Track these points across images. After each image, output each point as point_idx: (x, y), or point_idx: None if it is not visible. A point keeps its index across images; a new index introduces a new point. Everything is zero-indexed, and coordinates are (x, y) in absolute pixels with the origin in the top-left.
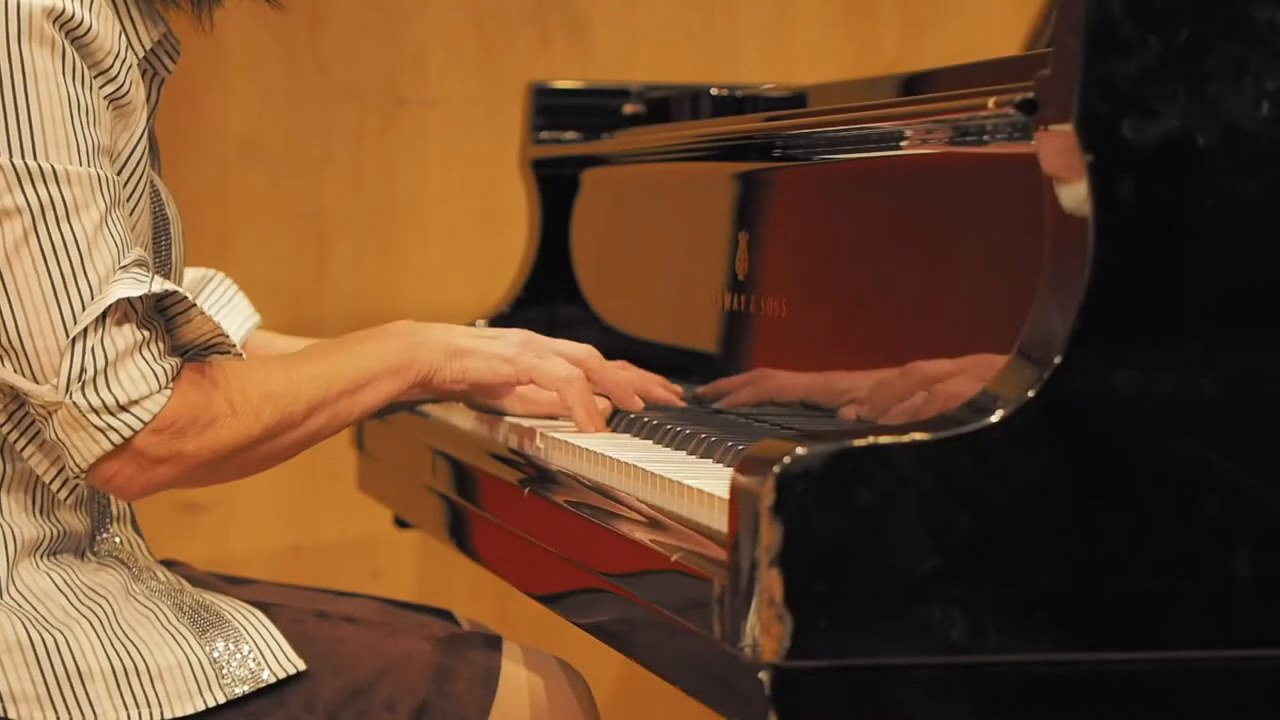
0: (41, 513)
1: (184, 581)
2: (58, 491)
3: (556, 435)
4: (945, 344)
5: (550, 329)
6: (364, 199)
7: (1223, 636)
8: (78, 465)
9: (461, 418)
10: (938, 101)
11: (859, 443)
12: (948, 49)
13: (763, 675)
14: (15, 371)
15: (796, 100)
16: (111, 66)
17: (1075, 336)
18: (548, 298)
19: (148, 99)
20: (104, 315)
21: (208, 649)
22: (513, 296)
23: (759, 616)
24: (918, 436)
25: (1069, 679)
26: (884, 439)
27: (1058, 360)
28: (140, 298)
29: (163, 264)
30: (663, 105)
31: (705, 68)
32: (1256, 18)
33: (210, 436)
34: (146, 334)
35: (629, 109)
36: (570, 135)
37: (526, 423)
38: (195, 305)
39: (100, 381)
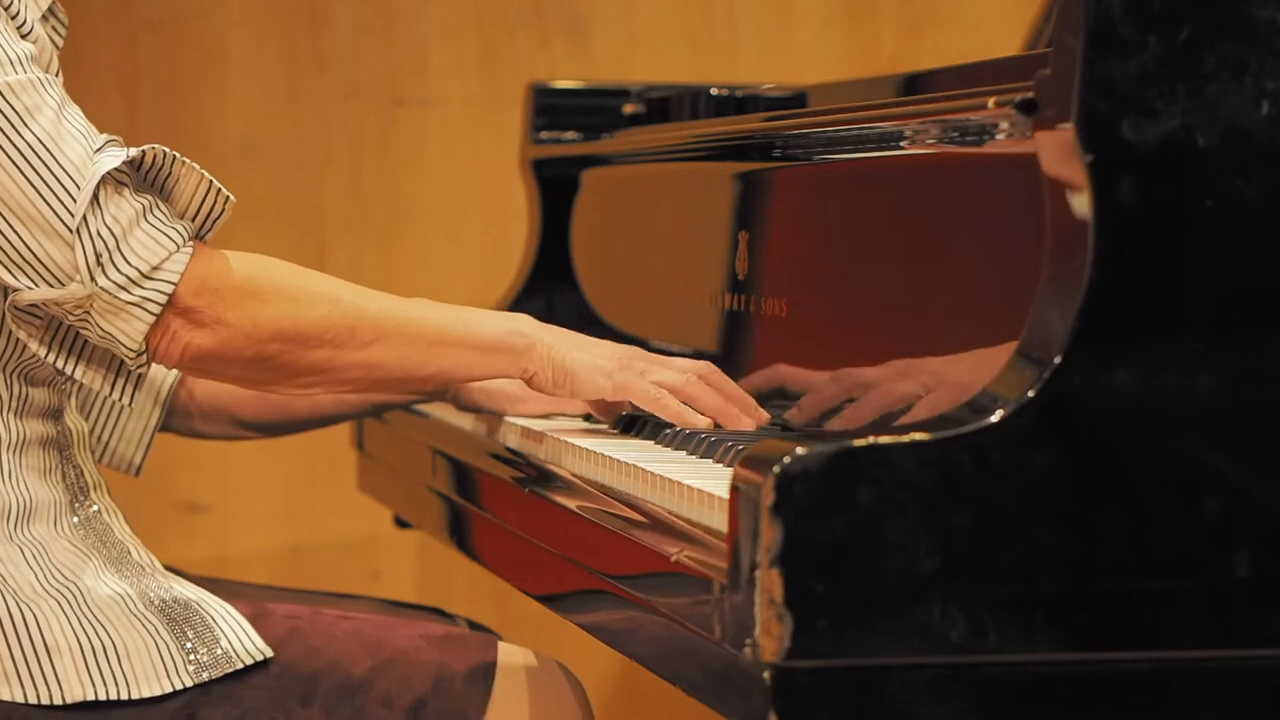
0: (9, 479)
1: (155, 563)
2: (119, 399)
3: (557, 435)
4: (945, 344)
5: None
6: (364, 199)
7: (1223, 636)
8: (130, 349)
9: (461, 418)
10: (938, 101)
11: (859, 443)
12: (948, 49)
13: (763, 675)
14: (41, 285)
15: (796, 100)
16: (12, 4)
17: (1075, 336)
18: (548, 297)
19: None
20: (96, 197)
21: (176, 635)
22: (513, 296)
23: (759, 616)
24: (918, 437)
25: (1069, 679)
26: (884, 439)
27: (1058, 360)
28: (125, 171)
29: None
30: (663, 105)
31: (705, 68)
32: (1256, 18)
33: (253, 309)
34: (145, 201)
35: (629, 109)
36: (570, 135)
37: (528, 423)
38: (177, 157)
39: (118, 258)
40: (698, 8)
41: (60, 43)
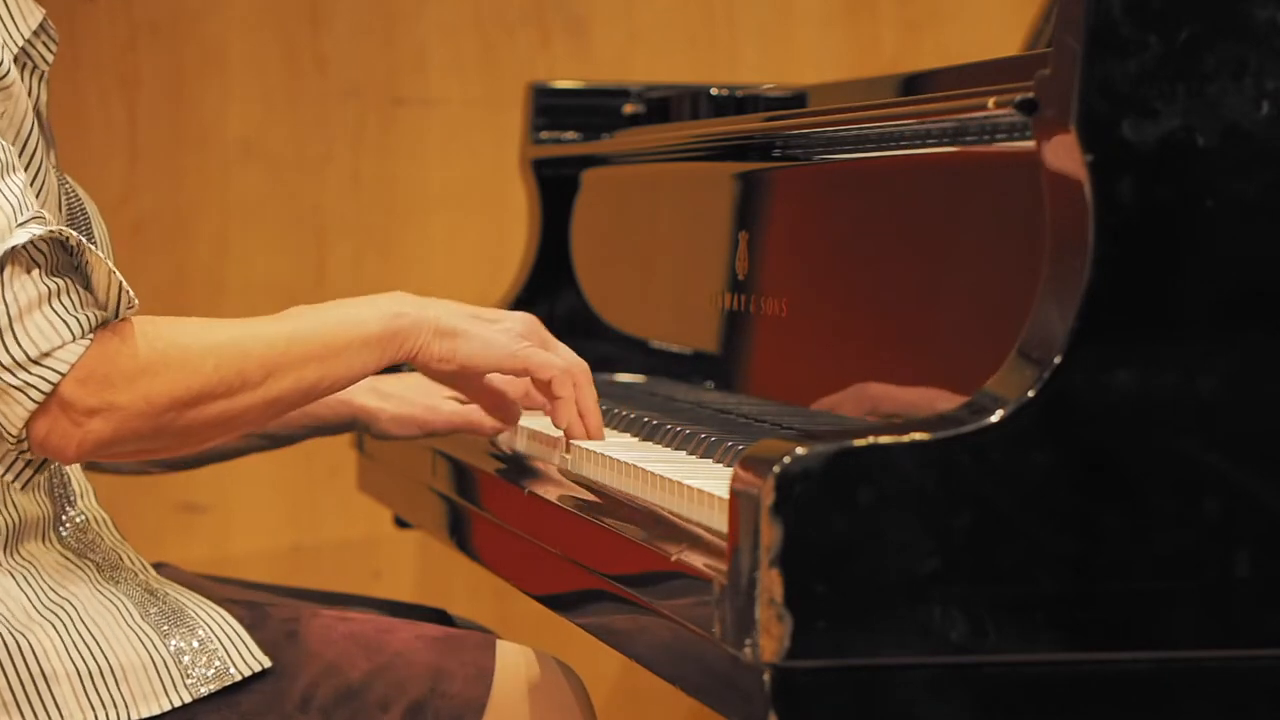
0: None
1: (148, 569)
2: (13, 481)
3: (558, 436)
4: (945, 344)
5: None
6: (364, 199)
7: (1223, 636)
8: (10, 433)
9: None
10: (938, 101)
11: (859, 443)
12: (948, 49)
13: (763, 675)
14: None
15: (796, 100)
16: None
17: (1075, 336)
18: (548, 298)
19: (29, 92)
20: (0, 271)
21: (171, 649)
22: (513, 297)
23: (759, 616)
24: (918, 436)
25: (1069, 679)
26: (884, 439)
27: (1058, 360)
28: (42, 251)
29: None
30: (663, 105)
31: (705, 68)
32: (1256, 18)
33: (143, 386)
34: (56, 285)
35: (629, 109)
36: (570, 135)
37: (529, 424)
38: (86, 247)
39: (8, 337)
40: (698, 8)
41: (51, 59)
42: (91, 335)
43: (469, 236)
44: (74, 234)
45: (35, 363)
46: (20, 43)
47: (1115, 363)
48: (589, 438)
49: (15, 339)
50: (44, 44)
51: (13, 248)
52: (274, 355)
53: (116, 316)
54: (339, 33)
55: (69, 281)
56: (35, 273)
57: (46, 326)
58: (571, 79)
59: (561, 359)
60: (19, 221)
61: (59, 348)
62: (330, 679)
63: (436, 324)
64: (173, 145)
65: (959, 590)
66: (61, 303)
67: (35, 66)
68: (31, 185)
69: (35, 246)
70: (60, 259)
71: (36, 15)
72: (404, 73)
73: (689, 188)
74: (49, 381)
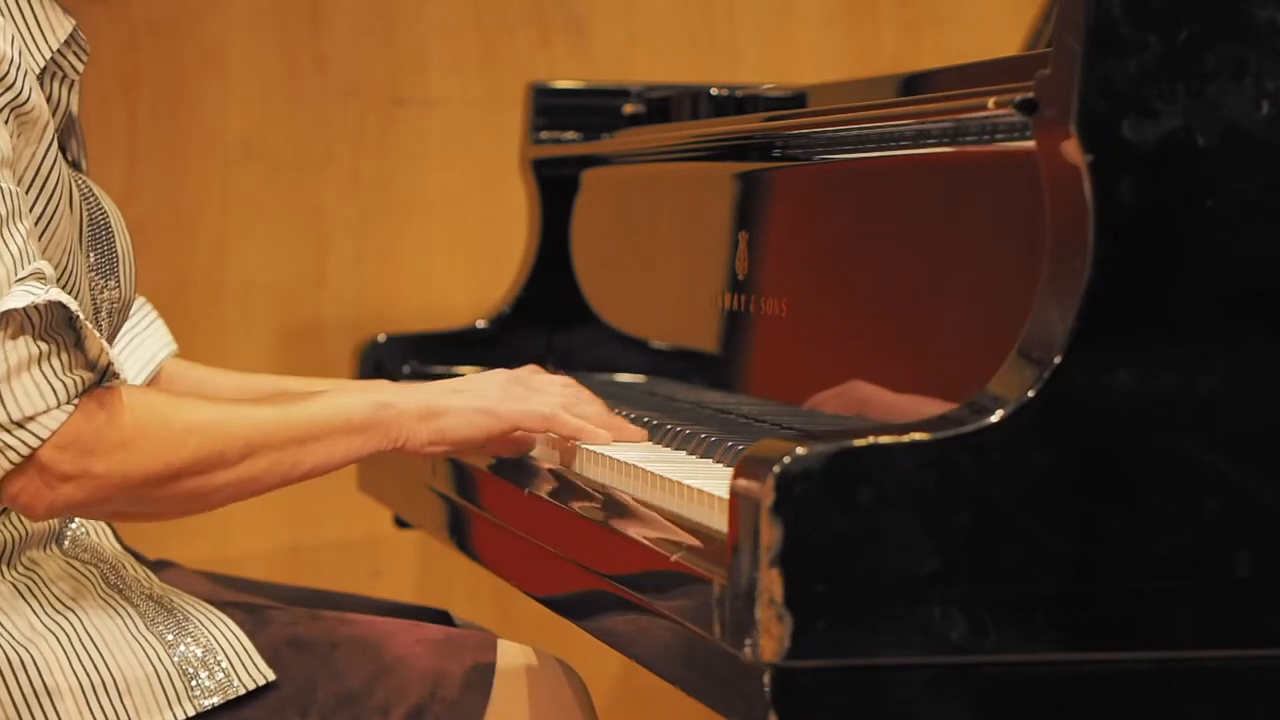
0: (3, 515)
1: (152, 577)
2: None
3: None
4: (945, 344)
5: (550, 330)
6: (364, 199)
7: (1223, 636)
8: None
9: None
10: (938, 101)
11: (859, 443)
12: (948, 49)
13: (763, 675)
14: None
15: (796, 100)
16: (8, 74)
17: (1075, 336)
18: (548, 298)
19: (58, 104)
20: None
21: (176, 659)
22: (513, 297)
23: (759, 616)
24: (918, 436)
25: (1069, 679)
26: (884, 439)
27: (1058, 360)
28: (40, 311)
29: (108, 260)
30: (663, 105)
31: (705, 68)
32: (1256, 18)
33: (121, 460)
34: (47, 347)
35: (629, 109)
36: (570, 135)
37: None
38: (78, 316)
39: None
40: (698, 8)
41: (82, 69)
42: (77, 401)
43: (469, 236)
44: (69, 300)
45: (19, 425)
46: (48, 55)
47: (1115, 363)
48: (620, 440)
49: (1, 400)
50: (74, 53)
51: (8, 311)
52: (256, 437)
53: (102, 381)
54: (339, 33)
55: (60, 342)
56: (27, 334)
57: (33, 389)
58: (571, 79)
59: (546, 401)
60: (18, 277)
61: (43, 413)
62: (331, 684)
63: (420, 409)
64: (173, 145)
65: (959, 590)
66: (51, 365)
67: (65, 76)
68: (39, 220)
69: (33, 306)
70: (55, 315)
71: (66, 26)
72: (404, 73)
73: (689, 188)
74: (28, 445)
